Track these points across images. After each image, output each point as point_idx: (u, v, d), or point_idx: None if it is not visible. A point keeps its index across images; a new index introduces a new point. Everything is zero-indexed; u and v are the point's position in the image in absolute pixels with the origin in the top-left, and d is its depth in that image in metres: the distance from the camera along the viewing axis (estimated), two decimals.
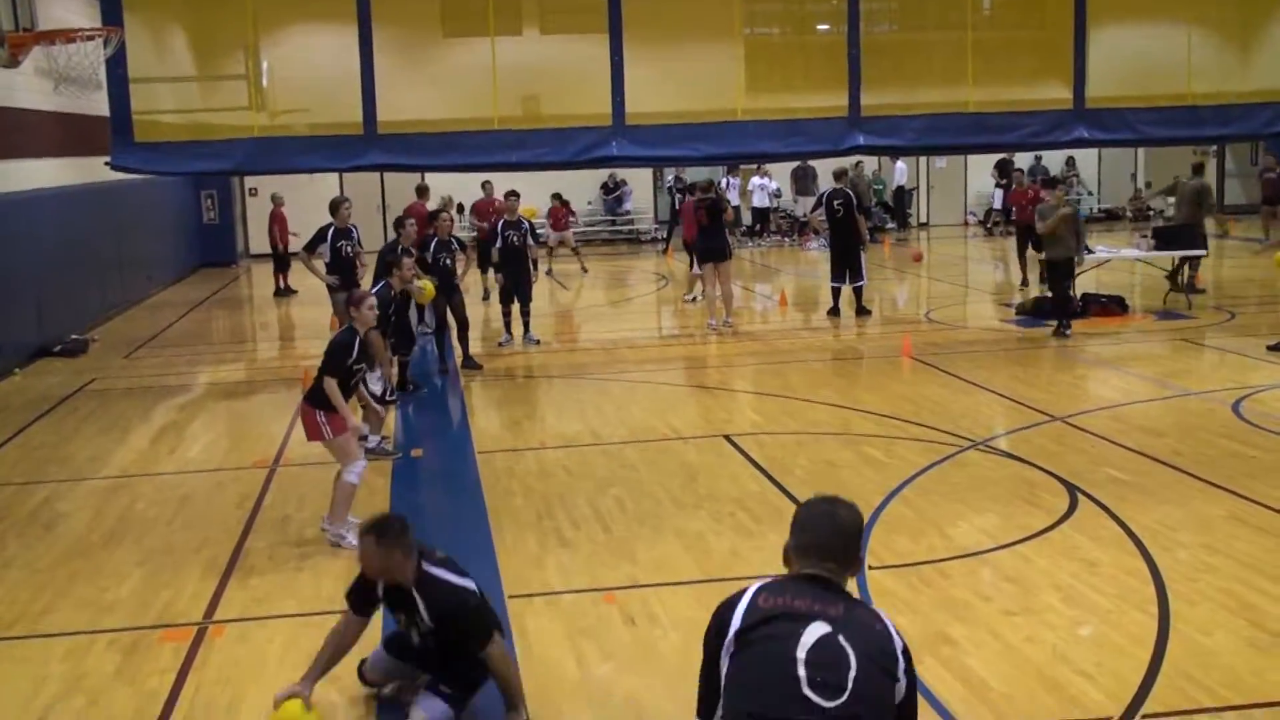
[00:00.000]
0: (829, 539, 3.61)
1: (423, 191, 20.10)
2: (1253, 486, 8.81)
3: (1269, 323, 16.20)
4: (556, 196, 25.39)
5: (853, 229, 17.53)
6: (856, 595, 3.52)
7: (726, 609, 3.60)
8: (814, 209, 18.73)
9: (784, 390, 12.85)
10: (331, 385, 8.13)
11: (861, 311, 17.45)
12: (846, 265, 17.61)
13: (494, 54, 13.80)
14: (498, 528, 8.54)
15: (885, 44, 15.19)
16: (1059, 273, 15.45)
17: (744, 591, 3.60)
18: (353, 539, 7.42)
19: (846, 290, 17.73)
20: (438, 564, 5.61)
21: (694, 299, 19.14)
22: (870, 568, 7.44)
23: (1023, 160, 31.55)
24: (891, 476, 9.41)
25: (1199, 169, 20.51)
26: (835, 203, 17.54)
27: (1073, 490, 8.88)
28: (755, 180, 29.44)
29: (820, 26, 16.05)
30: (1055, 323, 15.45)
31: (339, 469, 8.33)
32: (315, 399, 8.24)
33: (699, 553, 7.90)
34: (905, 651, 3.54)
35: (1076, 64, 14.67)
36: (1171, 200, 28.43)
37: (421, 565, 5.53)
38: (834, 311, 17.59)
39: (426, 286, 12.93)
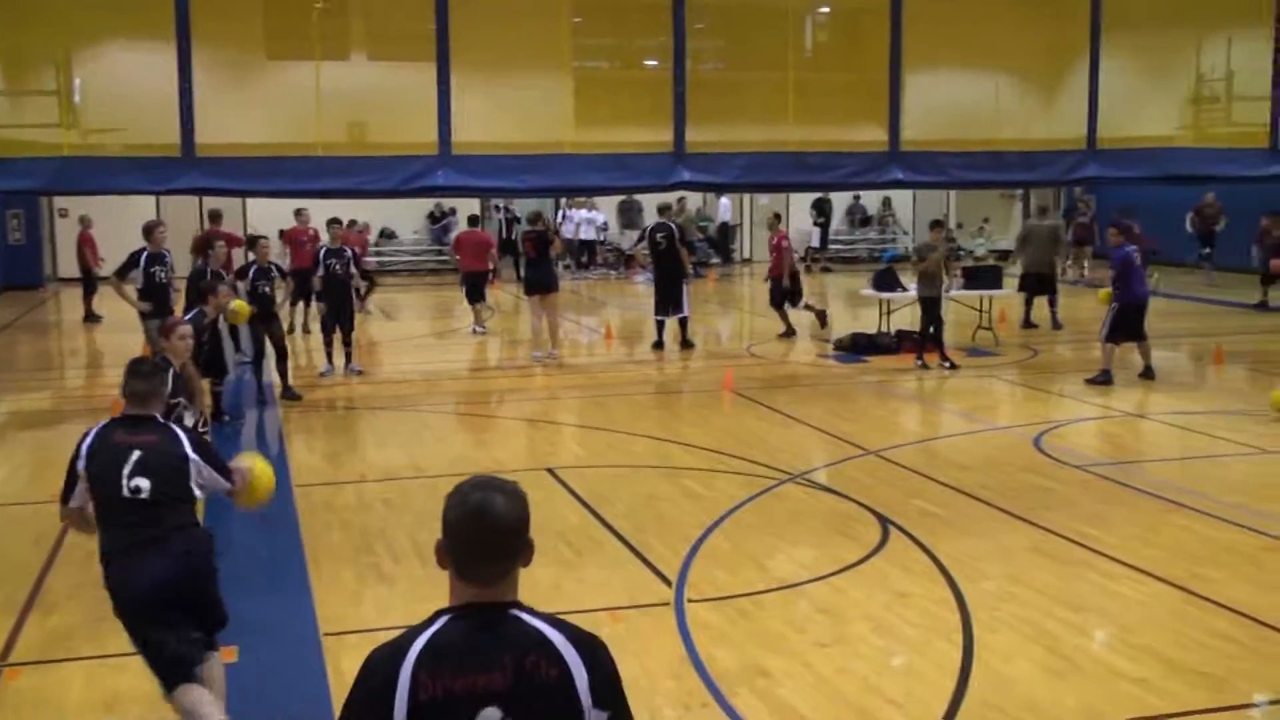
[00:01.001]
0: (489, 546, 2.82)
1: (216, 216, 19.46)
2: (1052, 518, 9.20)
3: (1069, 360, 16.99)
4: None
5: (676, 262, 17.77)
6: (522, 606, 2.83)
7: (384, 688, 2.74)
8: (638, 242, 18.95)
9: (607, 423, 12.92)
10: None
11: (685, 344, 17.69)
12: (670, 298, 17.84)
13: (318, 78, 13.58)
14: (314, 562, 8.37)
15: (711, 81, 15.44)
16: (932, 311, 15.87)
17: (401, 663, 2.75)
18: None
19: (670, 323, 17.94)
20: None
21: (482, 330, 19.66)
22: (689, 600, 7.53)
23: (842, 200, 32.51)
24: (711, 509, 9.54)
25: (1044, 211, 21.36)
26: (658, 235, 17.78)
27: (885, 522, 9.14)
28: (582, 213, 29.56)
29: (648, 62, 16.25)
30: (943, 362, 15.85)
31: None
32: None
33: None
34: (594, 688, 2.82)
35: (892, 107, 15.14)
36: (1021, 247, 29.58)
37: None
38: (658, 345, 17.78)
39: (240, 307, 12.61)
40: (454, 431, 12.82)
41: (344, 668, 6.56)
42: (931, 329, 15.99)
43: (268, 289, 13.89)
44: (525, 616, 2.82)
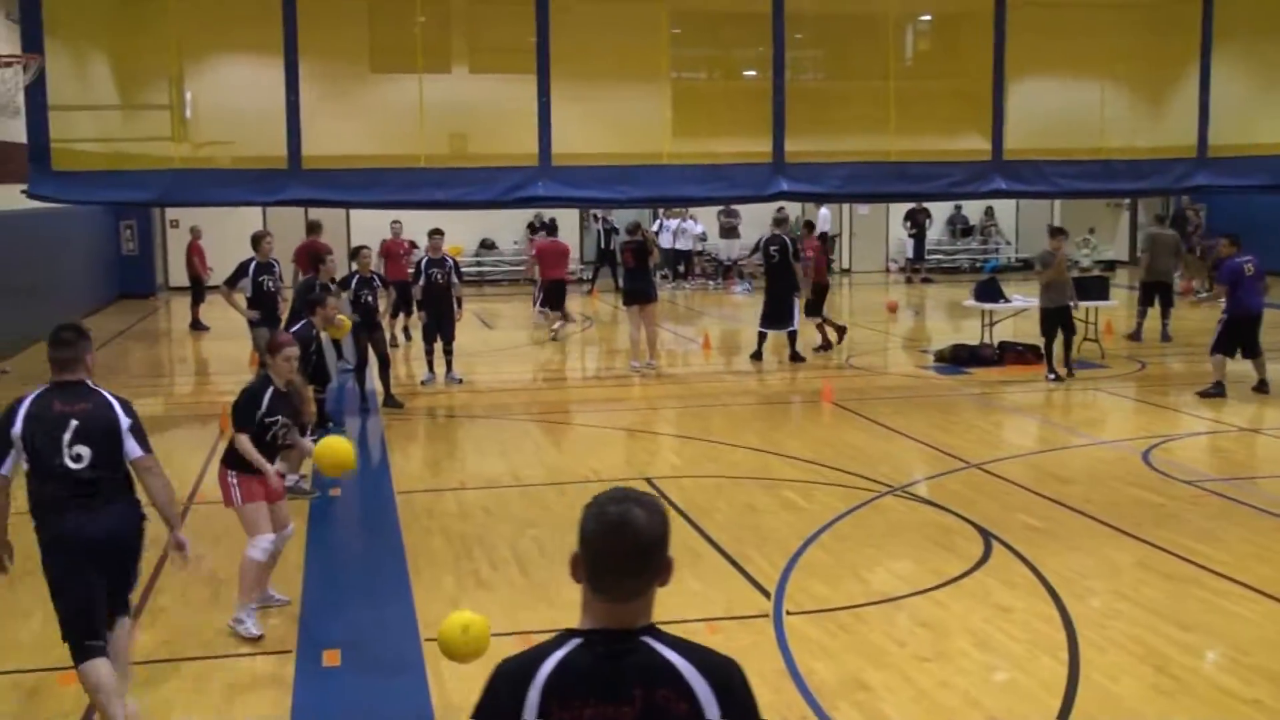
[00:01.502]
0: (628, 561, 2.74)
1: (315, 228, 19.58)
2: (1160, 534, 8.98)
3: (1179, 373, 16.60)
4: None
5: (788, 275, 17.58)
6: (657, 632, 2.74)
7: (513, 706, 2.71)
8: (751, 254, 18.80)
9: (705, 433, 12.90)
10: (243, 442, 7.26)
11: (794, 357, 17.45)
12: (779, 312, 17.58)
13: (421, 91, 13.79)
14: (415, 568, 8.47)
15: (810, 91, 15.40)
16: (1051, 321, 15.67)
17: (530, 684, 2.71)
18: (252, 625, 7.17)
19: (773, 336, 17.75)
20: None
21: (554, 336, 20.16)
22: (788, 613, 7.49)
23: (943, 210, 32.09)
24: (810, 521, 9.47)
25: (1162, 220, 20.98)
26: (772, 248, 17.52)
27: (987, 536, 9.00)
28: (677, 223, 29.52)
29: (747, 73, 16.24)
30: (1049, 374, 15.69)
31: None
32: (229, 457, 7.39)
33: None
34: (729, 696, 2.75)
35: (995, 116, 14.97)
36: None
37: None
38: (757, 356, 17.66)
39: (344, 321, 12.82)
40: (552, 440, 12.89)
41: (444, 672, 6.63)
42: (1046, 340, 15.78)
43: (370, 298, 14.10)
44: (657, 645, 2.73)
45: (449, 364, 16.00)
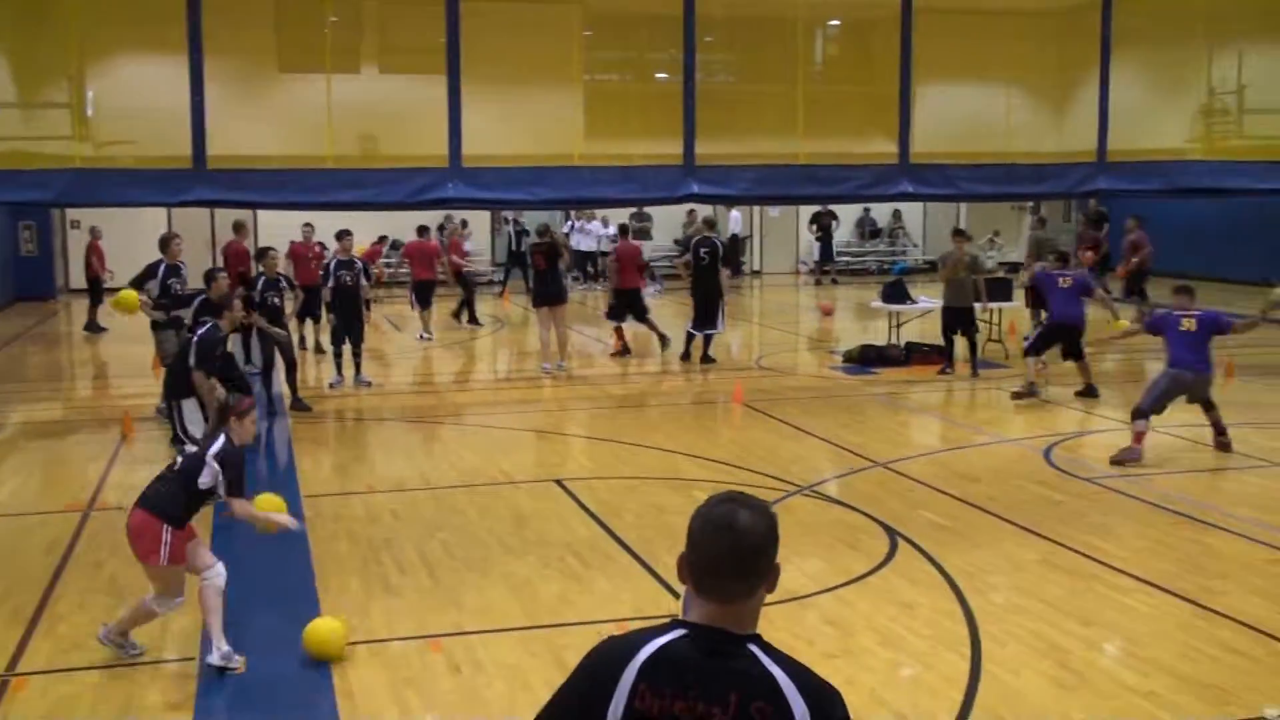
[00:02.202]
0: (733, 562, 2.71)
1: (240, 228, 19.34)
2: (1061, 530, 9.17)
3: (1077, 371, 16.93)
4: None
5: (716, 278, 17.72)
6: (762, 643, 2.66)
7: (607, 680, 2.70)
8: (680, 255, 18.73)
9: (616, 435, 12.92)
10: (179, 505, 6.74)
11: (706, 359, 17.54)
12: (708, 314, 17.68)
13: (330, 91, 13.63)
14: (321, 574, 8.38)
15: (720, 94, 15.46)
16: (950, 319, 16.24)
17: (628, 662, 2.68)
18: (233, 655, 6.70)
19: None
20: None
21: (428, 336, 20.44)
22: None
23: (851, 212, 32.47)
24: None
25: (1044, 222, 21.51)
26: (702, 250, 17.70)
27: (893, 534, 9.13)
28: (589, 225, 29.50)
29: (659, 75, 16.28)
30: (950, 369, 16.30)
31: (148, 593, 6.87)
32: (160, 506, 6.71)
33: (526, 598, 7.87)
34: None
35: (902, 120, 15.15)
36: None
37: None
38: (685, 356, 17.70)
39: (125, 297, 13.19)
40: (462, 443, 12.82)
41: (351, 677, 6.57)
42: (945, 337, 16.15)
43: (276, 300, 13.93)
44: (761, 655, 2.65)
45: (358, 366, 15.86)
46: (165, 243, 14.14)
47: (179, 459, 7.14)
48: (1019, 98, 16.09)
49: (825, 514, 9.90)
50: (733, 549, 2.68)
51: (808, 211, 31.59)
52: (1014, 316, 19.74)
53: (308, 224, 19.49)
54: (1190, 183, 15.75)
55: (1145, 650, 6.97)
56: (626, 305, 18.46)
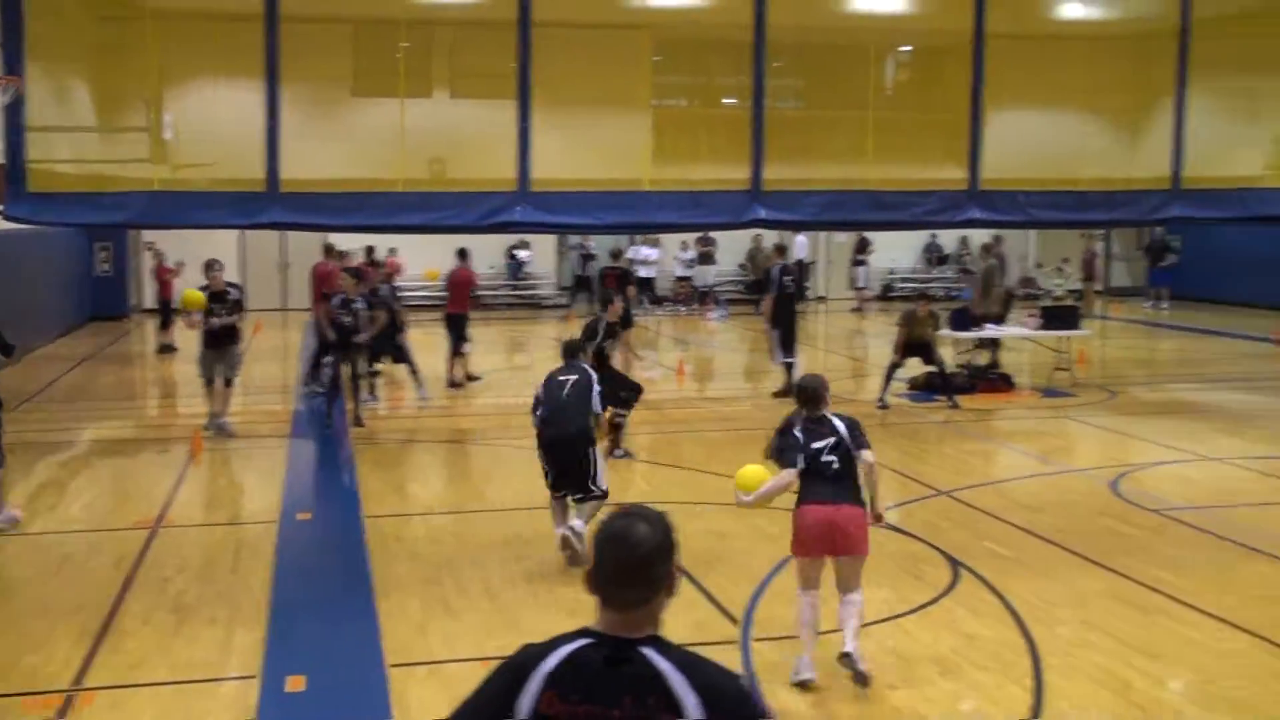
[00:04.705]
0: (624, 572, 2.88)
1: (330, 251, 19.37)
2: (1129, 564, 9.01)
3: (1149, 401, 16.69)
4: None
5: (794, 306, 17.43)
6: (658, 643, 2.83)
7: (516, 685, 2.89)
8: (766, 286, 18.09)
9: (678, 460, 12.92)
10: None
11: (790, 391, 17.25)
12: (792, 340, 17.33)
13: (403, 115, 13.81)
14: (382, 594, 8.44)
15: (788, 120, 15.46)
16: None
17: (538, 667, 2.88)
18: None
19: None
20: None
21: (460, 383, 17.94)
22: (755, 639, 7.49)
23: (918, 238, 32.30)
24: (781, 548, 9.42)
25: (989, 250, 21.18)
26: (786, 279, 17.39)
27: (955, 564, 9.03)
28: (644, 250, 29.31)
29: (726, 100, 16.30)
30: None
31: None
32: None
33: (583, 621, 7.85)
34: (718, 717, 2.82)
35: (972, 146, 15.04)
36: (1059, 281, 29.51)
37: None
38: (786, 392, 17.17)
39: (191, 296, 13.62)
40: (525, 466, 12.82)
41: (410, 697, 6.61)
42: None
43: (350, 319, 14.13)
44: (653, 655, 2.83)
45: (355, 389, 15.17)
46: (207, 268, 14.32)
47: None
48: (1091, 124, 15.93)
49: (888, 543, 9.78)
50: (626, 560, 2.87)
51: (874, 237, 31.44)
52: (1082, 344, 19.46)
53: (330, 245, 19.40)
54: (1266, 210, 15.53)
55: (1213, 686, 6.84)
56: (456, 332, 17.64)
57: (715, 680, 2.83)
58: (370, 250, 21.11)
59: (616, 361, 13.91)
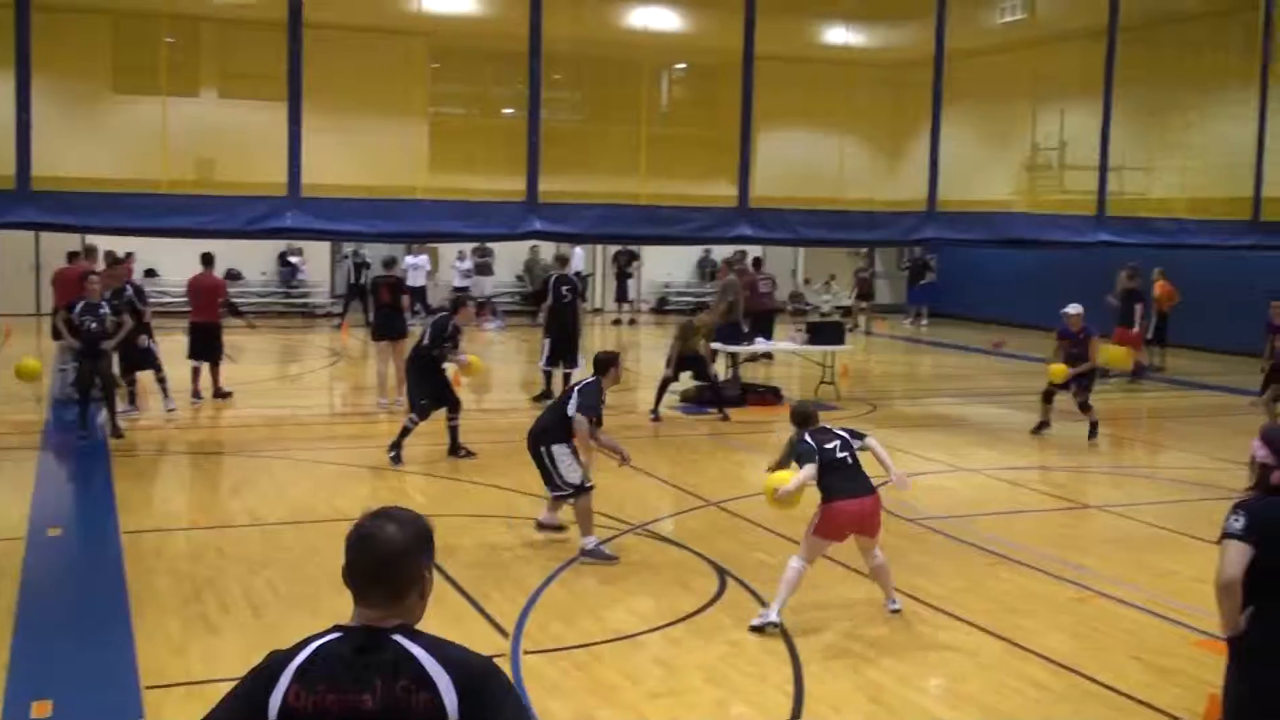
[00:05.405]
0: (370, 571, 2.96)
1: (91, 252, 18.49)
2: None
3: (909, 414, 17.44)
4: None
5: (577, 314, 17.68)
6: (407, 629, 2.93)
7: (266, 683, 2.93)
8: (542, 293, 18.42)
9: (452, 472, 12.83)
10: None
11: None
12: (568, 351, 17.56)
13: (165, 114, 13.29)
14: (138, 612, 8.11)
15: (566, 132, 15.53)
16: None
17: (287, 665, 2.94)
18: None
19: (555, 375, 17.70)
20: None
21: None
22: (525, 652, 7.51)
23: (692, 253, 32.99)
24: (552, 559, 9.53)
25: (731, 265, 22.01)
26: (563, 288, 17.57)
27: (723, 574, 9.25)
28: (410, 259, 28.85)
29: (504, 110, 16.29)
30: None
31: None
32: None
33: None
34: (472, 692, 2.91)
35: (742, 164, 15.41)
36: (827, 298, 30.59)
37: None
38: (545, 395, 17.54)
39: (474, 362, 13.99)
40: (294, 479, 12.56)
41: (165, 719, 6.38)
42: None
43: (94, 324, 13.57)
44: (405, 641, 2.92)
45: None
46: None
47: None
48: (854, 146, 16.53)
49: (658, 554, 9.98)
50: (372, 559, 2.96)
51: (649, 251, 31.94)
52: (846, 359, 20.20)
53: (74, 251, 18.67)
54: (1014, 233, 16.36)
55: (960, 687, 7.20)
56: (204, 343, 16.83)
57: (465, 657, 2.96)
58: (111, 254, 20.22)
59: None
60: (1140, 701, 7.04)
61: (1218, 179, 16.68)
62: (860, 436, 8.39)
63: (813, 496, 8.26)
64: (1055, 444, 15.46)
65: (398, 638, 2.93)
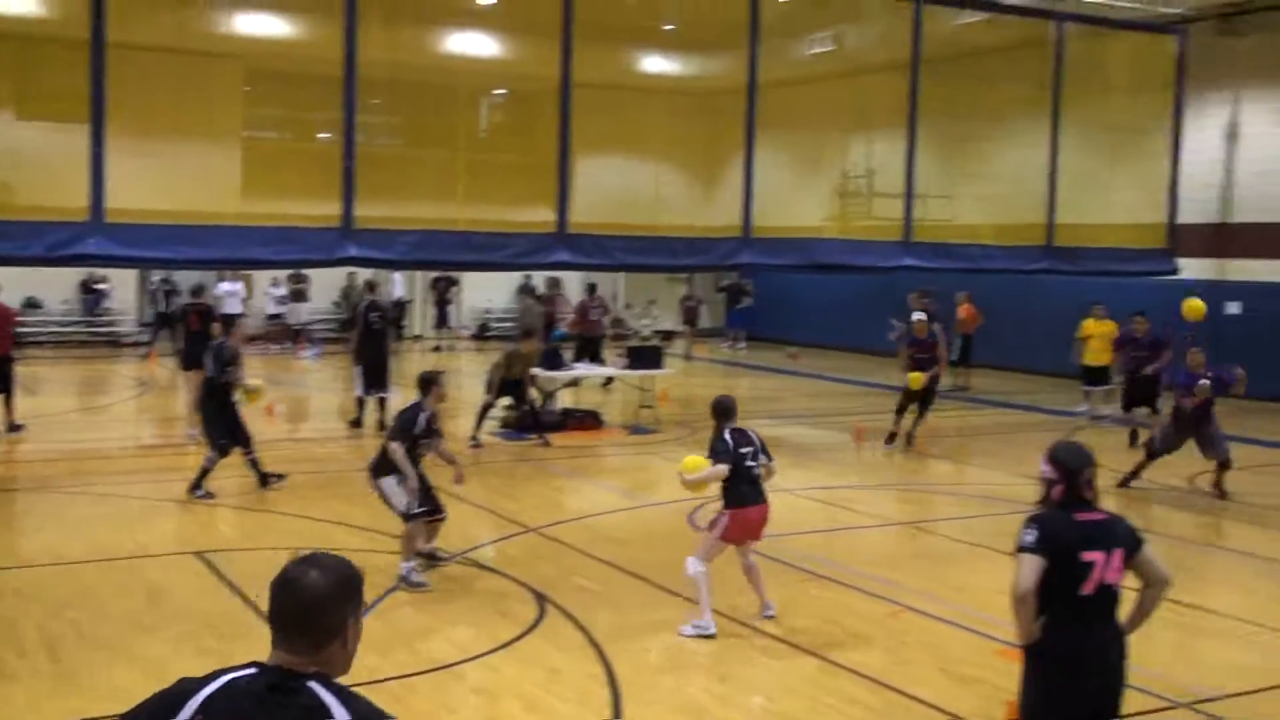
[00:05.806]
0: (291, 617, 2.93)
1: None
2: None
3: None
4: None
5: (386, 342, 17.53)
6: (323, 678, 2.85)
7: (167, 712, 2.88)
8: (350, 321, 18.26)
9: (264, 504, 12.53)
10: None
11: (384, 426, 17.13)
12: (379, 377, 17.43)
13: None
14: None
15: (382, 157, 15.33)
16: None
17: (193, 696, 2.87)
18: None
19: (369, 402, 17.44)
20: None
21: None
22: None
23: (515, 278, 32.94)
24: (367, 592, 9.34)
25: (530, 291, 22.35)
26: (372, 315, 17.46)
27: (542, 599, 9.23)
28: (224, 286, 28.09)
29: (321, 135, 16.02)
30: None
31: None
32: None
33: (157, 679, 7.42)
34: None
35: (560, 190, 15.47)
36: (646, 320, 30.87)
37: None
38: (358, 423, 17.29)
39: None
40: (97, 515, 12.08)
41: None
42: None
43: None
44: (320, 689, 2.85)
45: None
46: None
47: None
48: (671, 173, 16.75)
49: (476, 581, 9.91)
50: (294, 606, 2.92)
51: (469, 277, 31.77)
52: (665, 383, 20.40)
53: None
54: (825, 259, 16.80)
55: (777, 705, 7.34)
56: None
57: (379, 714, 2.89)
58: None
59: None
60: (945, 711, 7.27)
61: (1015, 206, 17.42)
62: (768, 454, 8.95)
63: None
64: (865, 463, 15.93)
65: (313, 685, 2.87)
